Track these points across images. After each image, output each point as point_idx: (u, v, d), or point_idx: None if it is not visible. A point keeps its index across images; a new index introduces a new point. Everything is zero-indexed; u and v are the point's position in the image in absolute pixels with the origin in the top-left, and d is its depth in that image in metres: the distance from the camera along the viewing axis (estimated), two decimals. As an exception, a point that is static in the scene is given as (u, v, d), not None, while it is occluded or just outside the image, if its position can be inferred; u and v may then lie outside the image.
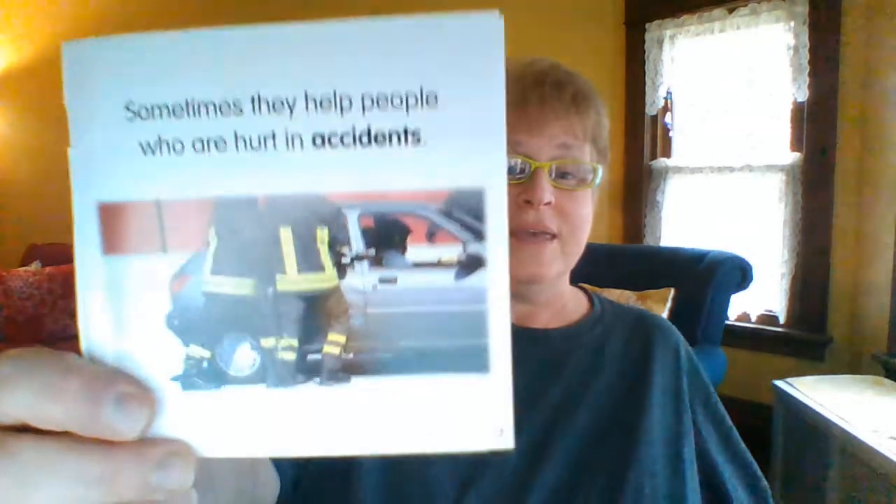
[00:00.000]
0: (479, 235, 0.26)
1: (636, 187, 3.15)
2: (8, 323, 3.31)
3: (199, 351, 0.27)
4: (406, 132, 0.26)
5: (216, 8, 3.65)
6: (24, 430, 0.25)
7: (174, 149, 0.26)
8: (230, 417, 0.27)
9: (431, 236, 0.27)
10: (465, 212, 0.26)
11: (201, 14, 3.71)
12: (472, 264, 0.27)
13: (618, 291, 2.46)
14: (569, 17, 3.11)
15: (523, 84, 0.67)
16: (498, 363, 0.27)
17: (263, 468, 0.54)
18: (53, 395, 0.24)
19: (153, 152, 0.27)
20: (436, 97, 0.26)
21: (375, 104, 0.26)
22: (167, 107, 0.26)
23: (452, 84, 0.26)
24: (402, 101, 0.26)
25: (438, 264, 0.27)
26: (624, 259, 2.65)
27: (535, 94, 0.67)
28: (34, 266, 3.53)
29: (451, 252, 0.27)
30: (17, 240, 3.79)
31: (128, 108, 0.26)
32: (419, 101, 0.26)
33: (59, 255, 3.57)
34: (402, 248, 0.27)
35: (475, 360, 0.27)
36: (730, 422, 0.76)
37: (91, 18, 3.76)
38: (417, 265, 0.27)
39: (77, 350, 0.27)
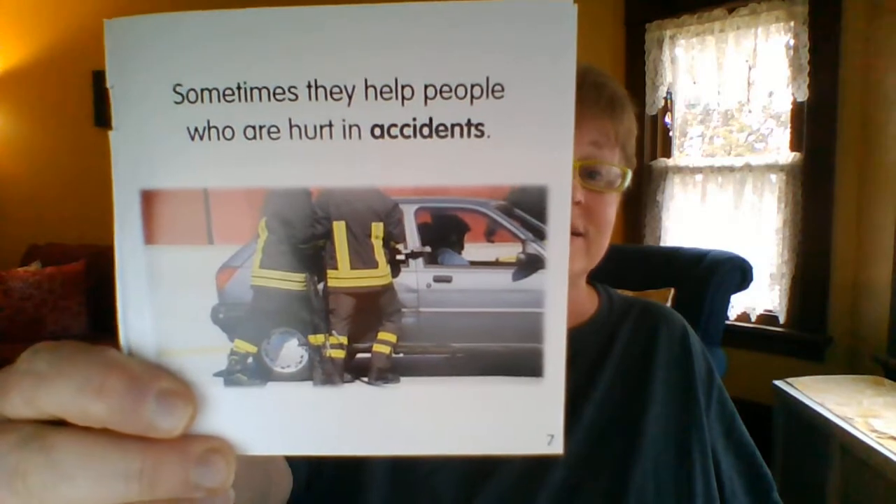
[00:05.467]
0: (539, 235, 0.25)
1: (636, 187, 3.14)
2: (8, 323, 3.29)
3: (244, 346, 0.27)
4: (469, 124, 0.25)
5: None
6: (61, 422, 0.24)
7: (224, 135, 0.25)
8: (274, 415, 0.27)
9: (490, 234, 0.26)
10: (526, 210, 0.25)
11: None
12: (531, 265, 0.26)
13: (618, 292, 2.45)
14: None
15: None
16: (552, 368, 0.26)
17: (277, 468, 0.53)
18: (94, 393, 0.23)
19: (201, 138, 0.25)
20: (502, 88, 0.25)
21: (438, 94, 0.25)
22: (218, 90, 0.25)
23: (520, 75, 0.25)
24: (466, 92, 0.25)
25: (496, 264, 0.26)
26: (624, 259, 2.64)
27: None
28: (34, 266, 3.50)
29: (509, 251, 0.26)
30: (17, 240, 3.76)
31: (175, 91, 0.25)
32: (484, 92, 0.25)
33: (59, 255, 3.54)
34: (459, 246, 0.27)
35: (529, 365, 0.26)
36: (734, 411, 0.76)
37: (93, 17, 3.74)
38: (474, 264, 0.27)
39: None
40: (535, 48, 0.24)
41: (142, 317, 0.26)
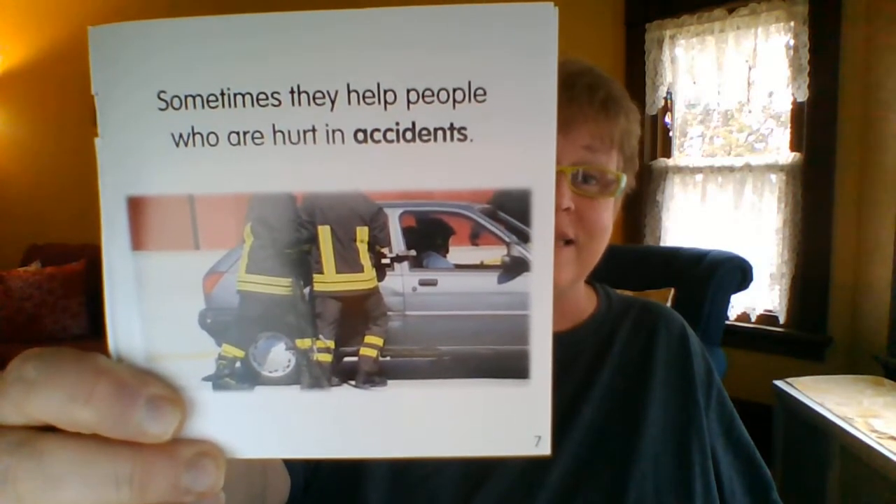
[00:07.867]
0: (524, 238, 0.25)
1: (636, 187, 3.14)
2: (8, 323, 3.30)
3: (232, 351, 0.27)
4: (452, 128, 0.25)
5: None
6: (50, 429, 0.24)
7: (208, 141, 0.25)
8: (262, 418, 0.27)
9: (475, 238, 0.26)
10: (510, 213, 0.25)
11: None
12: (515, 267, 0.26)
13: (618, 291, 2.45)
14: (569, 17, 3.10)
15: None
16: (538, 370, 0.26)
17: (274, 470, 0.53)
18: (83, 399, 0.23)
19: (186, 144, 0.25)
20: (484, 92, 0.25)
21: (421, 99, 0.25)
22: (202, 96, 0.25)
23: (502, 78, 0.25)
24: (448, 97, 0.25)
25: (481, 267, 0.26)
26: (624, 259, 2.64)
27: (565, 94, 0.65)
28: (34, 266, 3.51)
29: (494, 254, 0.26)
30: (17, 240, 3.77)
31: (160, 97, 0.25)
32: (466, 96, 0.25)
33: (59, 255, 3.55)
34: (444, 250, 0.27)
35: (515, 367, 0.26)
36: (734, 411, 0.75)
37: (93, 17, 3.74)
38: (459, 267, 0.27)
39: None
40: (517, 51, 0.24)
41: (130, 322, 0.26)
